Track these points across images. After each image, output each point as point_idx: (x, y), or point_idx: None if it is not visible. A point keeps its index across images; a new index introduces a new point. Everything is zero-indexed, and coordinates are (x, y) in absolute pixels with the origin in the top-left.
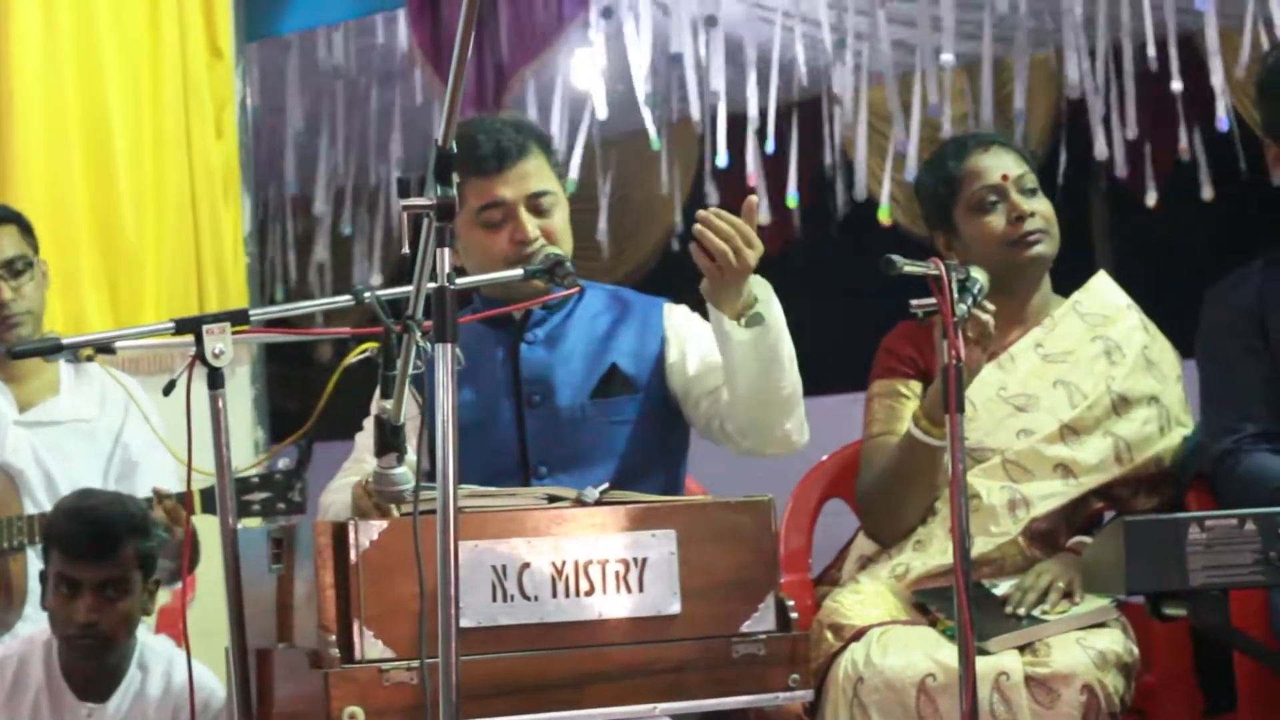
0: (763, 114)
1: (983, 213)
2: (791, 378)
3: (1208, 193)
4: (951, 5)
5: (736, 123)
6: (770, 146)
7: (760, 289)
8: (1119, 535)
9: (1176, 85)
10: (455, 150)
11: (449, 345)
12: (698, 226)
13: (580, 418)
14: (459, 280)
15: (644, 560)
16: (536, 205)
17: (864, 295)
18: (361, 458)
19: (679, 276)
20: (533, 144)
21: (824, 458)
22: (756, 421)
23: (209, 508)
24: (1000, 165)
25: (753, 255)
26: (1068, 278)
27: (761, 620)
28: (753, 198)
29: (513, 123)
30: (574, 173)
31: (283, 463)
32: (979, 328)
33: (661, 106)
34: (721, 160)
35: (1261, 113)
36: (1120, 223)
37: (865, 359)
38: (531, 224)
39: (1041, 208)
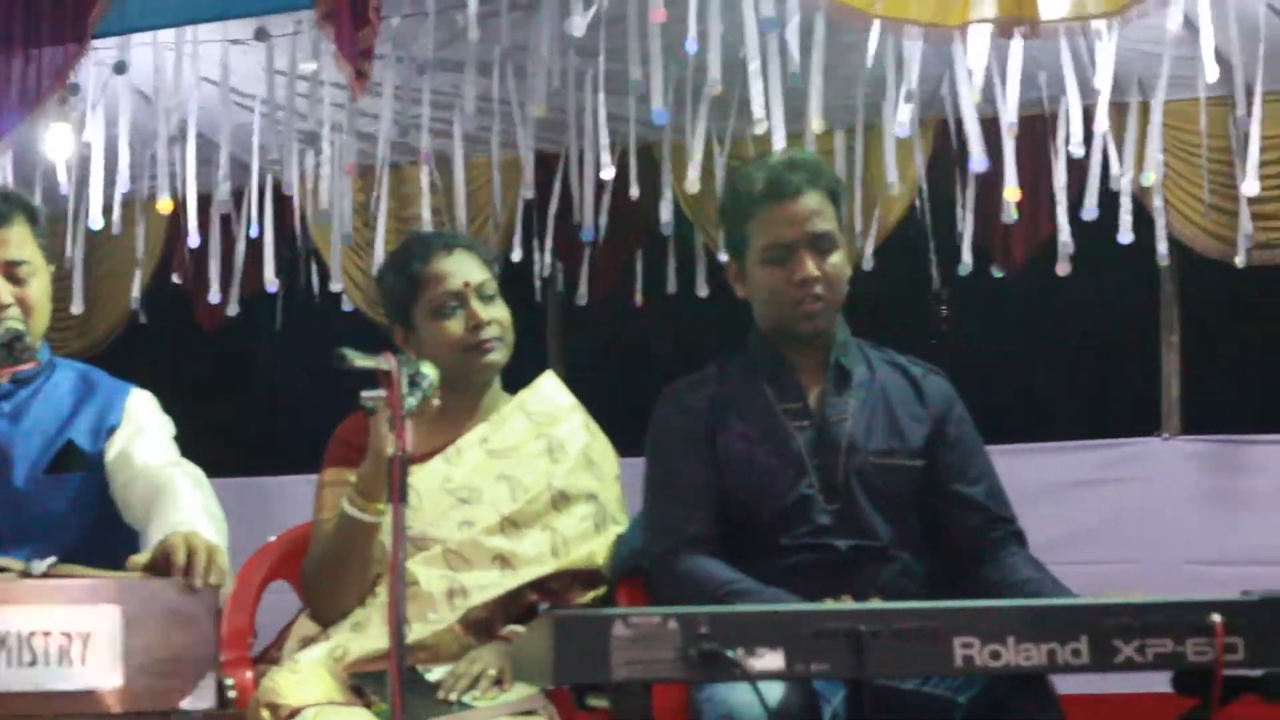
0: (243, 196)
1: (442, 318)
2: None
3: (649, 297)
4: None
5: (208, 204)
6: (254, 230)
7: None
8: (548, 628)
9: (634, 191)
10: None
11: None
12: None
13: (33, 491)
14: None
15: (88, 635)
16: (13, 274)
17: (329, 380)
18: None
19: (138, 353)
20: (17, 213)
21: (271, 539)
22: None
23: None
24: (462, 272)
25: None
26: (521, 375)
27: (201, 698)
28: None
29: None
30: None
31: None
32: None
33: (135, 184)
34: (194, 241)
35: (723, 231)
36: (572, 322)
37: (322, 442)
38: (6, 290)
39: (499, 315)
